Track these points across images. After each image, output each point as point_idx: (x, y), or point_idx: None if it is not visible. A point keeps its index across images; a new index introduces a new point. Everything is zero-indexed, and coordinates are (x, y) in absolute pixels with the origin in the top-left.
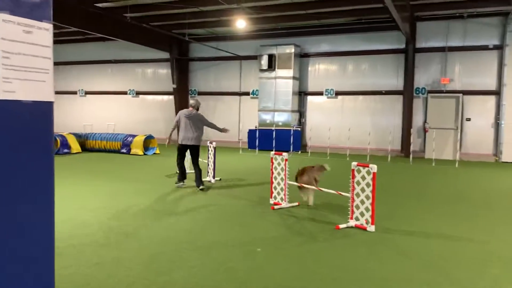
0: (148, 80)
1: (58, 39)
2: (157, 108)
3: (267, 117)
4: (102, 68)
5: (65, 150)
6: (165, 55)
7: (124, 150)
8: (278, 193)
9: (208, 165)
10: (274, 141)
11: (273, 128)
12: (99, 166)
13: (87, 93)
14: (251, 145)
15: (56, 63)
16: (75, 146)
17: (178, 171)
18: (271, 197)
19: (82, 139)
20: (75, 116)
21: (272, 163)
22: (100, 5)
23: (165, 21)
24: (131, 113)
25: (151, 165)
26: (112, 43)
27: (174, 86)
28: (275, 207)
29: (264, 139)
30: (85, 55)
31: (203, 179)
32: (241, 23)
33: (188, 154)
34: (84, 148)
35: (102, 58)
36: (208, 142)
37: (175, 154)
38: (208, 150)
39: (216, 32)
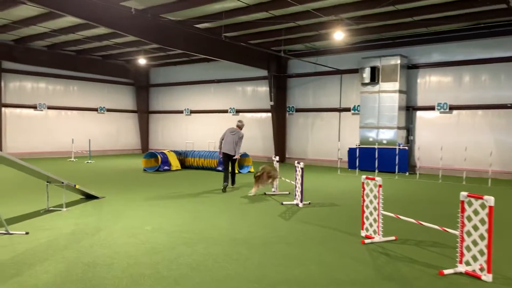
0: (248, 98)
1: (167, 62)
2: (255, 125)
3: (370, 134)
4: (206, 87)
5: (166, 167)
6: (263, 72)
7: (220, 168)
8: (371, 225)
9: (296, 187)
10: (377, 161)
11: (376, 146)
12: (191, 183)
13: (192, 112)
14: (351, 165)
15: (165, 84)
16: (175, 163)
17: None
18: (362, 229)
19: (182, 156)
20: (181, 134)
21: (364, 189)
22: (199, 26)
23: (262, 38)
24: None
25: (241, 183)
26: (215, 64)
27: (272, 103)
28: (366, 241)
29: (365, 158)
30: (190, 76)
31: (290, 202)
32: (339, 35)
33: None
34: (184, 165)
35: (206, 78)
36: (296, 162)
37: None
38: (296, 170)
39: (314, 46)
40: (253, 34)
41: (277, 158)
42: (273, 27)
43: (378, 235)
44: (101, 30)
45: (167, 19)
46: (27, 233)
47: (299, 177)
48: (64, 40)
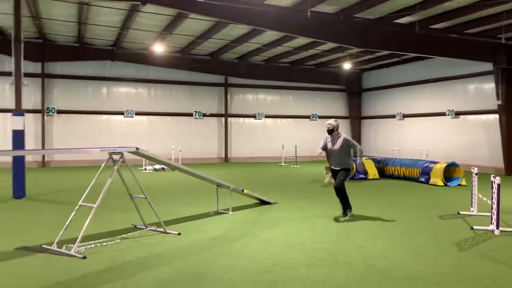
0: (469, 98)
1: (378, 64)
2: (478, 129)
3: None
4: (420, 88)
5: (361, 176)
6: (488, 66)
7: (422, 179)
8: None
9: (492, 208)
10: None
11: None
12: (380, 195)
13: (404, 116)
14: None
15: (376, 88)
16: (372, 172)
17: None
18: None
19: (381, 164)
20: (392, 140)
21: None
22: (398, 21)
23: (478, 26)
24: (448, 136)
25: (443, 199)
26: (430, 61)
27: (499, 102)
28: None
29: None
30: (403, 77)
31: (483, 227)
32: None
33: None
34: (383, 174)
35: (420, 78)
36: (492, 176)
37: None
38: (492, 187)
39: None
40: (465, 23)
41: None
42: (487, 11)
43: None
44: (302, 40)
45: (361, 18)
46: (179, 234)
47: (495, 196)
48: (276, 53)
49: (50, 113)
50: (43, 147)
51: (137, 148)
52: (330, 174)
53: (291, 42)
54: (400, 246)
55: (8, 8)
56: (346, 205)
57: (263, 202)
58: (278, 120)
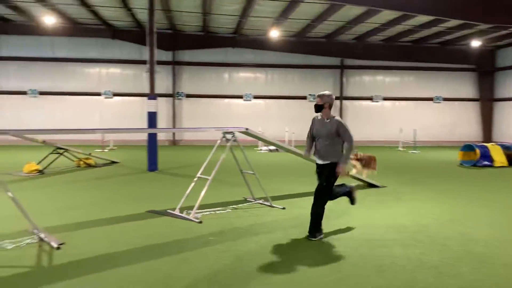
0: None
1: None
2: None
3: None
4: None
5: (485, 163)
6: None
7: None
8: None
9: None
10: None
11: None
12: (506, 185)
13: None
14: None
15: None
16: (499, 159)
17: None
18: None
19: (511, 151)
20: None
21: None
22: None
23: None
24: None
25: None
26: None
27: None
28: None
29: None
30: None
31: None
32: None
33: None
34: None
35: None
36: None
37: None
38: None
39: None
40: None
41: None
42: None
43: None
44: (424, 18)
45: None
46: (283, 208)
47: None
48: (396, 32)
49: (180, 97)
50: (173, 127)
51: (247, 129)
52: (359, 162)
53: (412, 20)
54: (510, 238)
55: (145, 4)
56: (315, 226)
57: (370, 185)
58: (397, 102)
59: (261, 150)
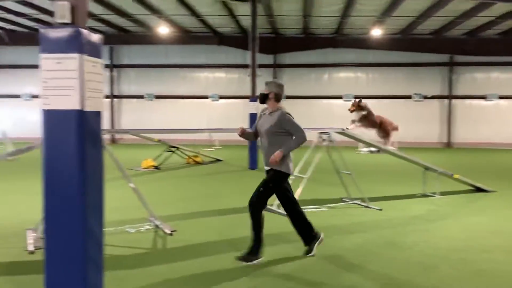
0: None
1: None
2: None
3: None
4: None
5: None
6: None
7: None
8: None
9: None
10: None
11: None
12: None
13: None
14: None
15: None
16: None
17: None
18: None
19: None
20: None
21: None
22: None
23: None
24: None
25: None
26: None
27: None
28: None
29: None
30: None
31: None
32: None
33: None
34: None
35: None
36: None
37: None
38: None
39: None
40: None
41: None
42: None
43: None
44: None
45: None
46: (380, 209)
47: None
48: None
49: None
50: None
51: (343, 129)
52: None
53: None
54: None
55: (249, 11)
56: (255, 244)
57: (478, 190)
58: None
59: (361, 151)
